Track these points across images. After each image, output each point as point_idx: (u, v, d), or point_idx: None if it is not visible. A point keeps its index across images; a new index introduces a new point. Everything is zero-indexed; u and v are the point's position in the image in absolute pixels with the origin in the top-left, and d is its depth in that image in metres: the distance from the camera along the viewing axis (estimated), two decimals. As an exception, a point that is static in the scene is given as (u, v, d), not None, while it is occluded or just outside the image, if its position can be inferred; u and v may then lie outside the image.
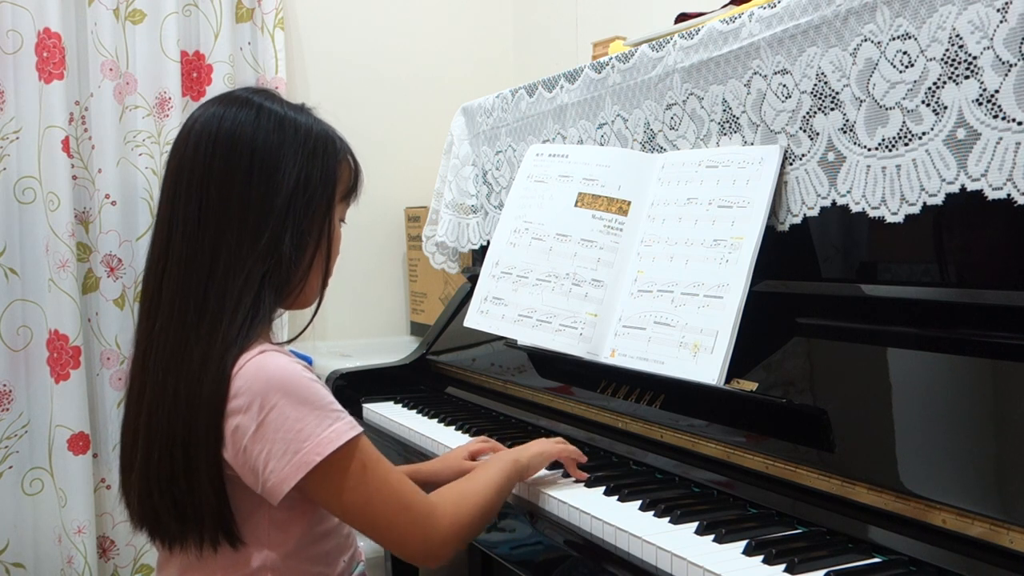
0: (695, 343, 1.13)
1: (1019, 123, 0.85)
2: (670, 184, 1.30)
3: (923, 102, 0.94)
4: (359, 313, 2.65)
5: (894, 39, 0.97)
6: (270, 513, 0.92)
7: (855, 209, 1.03)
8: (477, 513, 0.98)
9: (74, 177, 2.20)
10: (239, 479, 0.89)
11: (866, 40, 1.00)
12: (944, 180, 0.93)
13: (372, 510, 0.90)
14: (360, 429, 0.91)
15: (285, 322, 2.35)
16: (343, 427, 0.88)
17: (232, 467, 0.89)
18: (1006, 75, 0.86)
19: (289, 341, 1.25)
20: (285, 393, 0.87)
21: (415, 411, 1.61)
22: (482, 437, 1.30)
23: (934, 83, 0.93)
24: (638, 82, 1.39)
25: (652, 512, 0.99)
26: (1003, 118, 0.86)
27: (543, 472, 1.15)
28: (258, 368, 0.88)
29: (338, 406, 0.91)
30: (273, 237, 0.92)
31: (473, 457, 1.23)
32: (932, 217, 0.97)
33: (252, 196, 0.92)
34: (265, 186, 0.93)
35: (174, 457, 0.88)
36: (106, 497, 2.29)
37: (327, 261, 0.99)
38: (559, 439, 1.19)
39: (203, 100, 2.45)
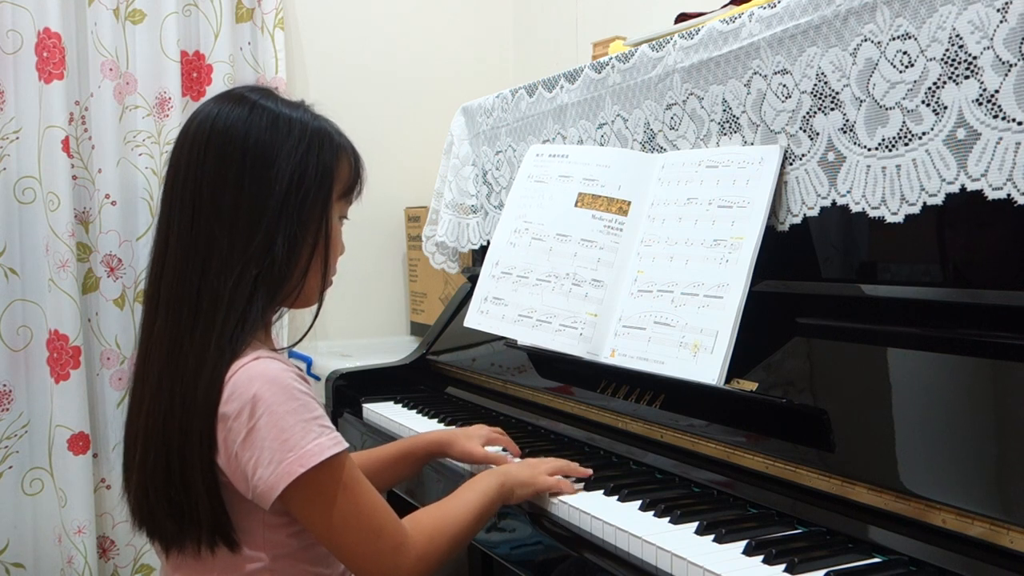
0: (695, 343, 1.13)
1: (1019, 123, 0.85)
2: (670, 184, 1.30)
3: (923, 102, 0.94)
4: (359, 313, 2.65)
5: (894, 39, 0.97)
6: (265, 517, 0.91)
7: (855, 209, 1.03)
8: (449, 548, 0.95)
9: (74, 177, 2.20)
10: (233, 484, 0.89)
11: (866, 40, 1.00)
12: (944, 180, 0.93)
13: (341, 532, 0.89)
14: (345, 446, 0.89)
15: (285, 324, 2.35)
16: (327, 442, 0.87)
17: (225, 473, 0.88)
18: (1006, 75, 0.86)
19: (291, 347, 1.24)
20: (275, 402, 0.86)
21: (415, 411, 1.61)
22: (498, 429, 1.27)
23: (934, 83, 0.93)
24: (638, 82, 1.39)
25: (652, 512, 0.99)
26: (1003, 118, 0.86)
27: None
28: (250, 375, 0.87)
29: (326, 420, 0.89)
30: (266, 237, 0.90)
31: (484, 446, 1.22)
32: (932, 217, 0.97)
33: (244, 195, 0.90)
34: (257, 185, 0.91)
35: (169, 460, 0.88)
36: (106, 497, 2.29)
37: (326, 260, 0.96)
38: (552, 462, 1.12)
39: (203, 100, 2.46)
